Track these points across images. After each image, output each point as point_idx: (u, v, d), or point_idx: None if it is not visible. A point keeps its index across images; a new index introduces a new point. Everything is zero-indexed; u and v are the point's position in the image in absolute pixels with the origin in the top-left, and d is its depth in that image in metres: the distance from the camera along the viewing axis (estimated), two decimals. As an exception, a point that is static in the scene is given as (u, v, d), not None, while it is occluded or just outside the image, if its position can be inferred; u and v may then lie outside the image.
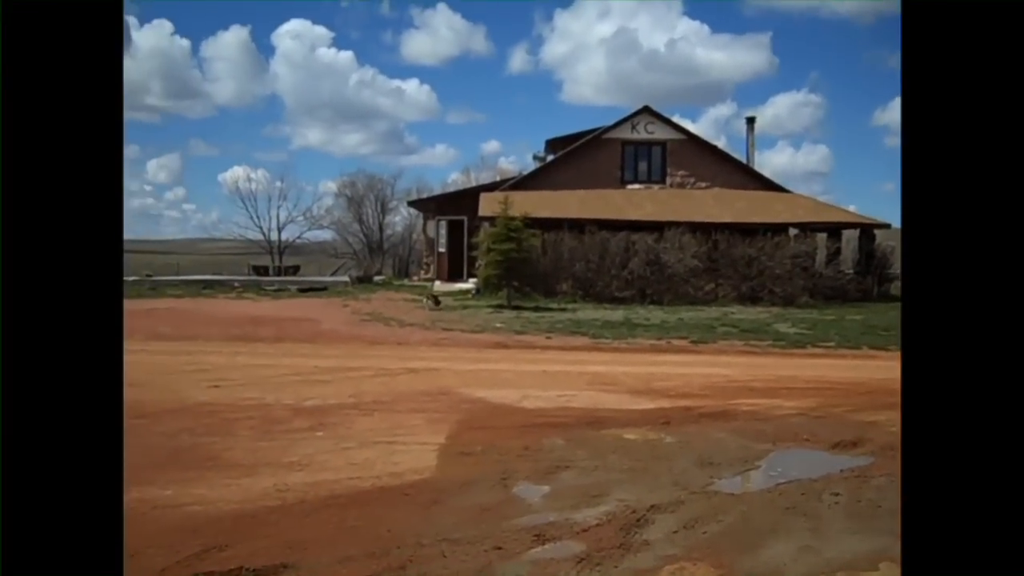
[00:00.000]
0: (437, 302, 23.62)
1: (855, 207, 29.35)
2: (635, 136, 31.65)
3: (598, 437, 7.81)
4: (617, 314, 21.56)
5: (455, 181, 62.99)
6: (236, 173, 77.92)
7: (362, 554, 4.63)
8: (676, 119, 32.74)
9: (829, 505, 5.73)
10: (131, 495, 5.16)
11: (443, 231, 32.77)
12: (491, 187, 32.70)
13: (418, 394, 9.87)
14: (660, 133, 31.73)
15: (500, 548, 4.77)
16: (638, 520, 5.28)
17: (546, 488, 6.09)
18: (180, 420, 8.09)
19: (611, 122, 32.40)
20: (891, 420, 8.81)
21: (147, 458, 6.46)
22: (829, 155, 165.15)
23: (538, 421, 8.46)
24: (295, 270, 43.68)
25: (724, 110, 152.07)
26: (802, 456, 7.37)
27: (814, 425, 8.55)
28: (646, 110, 31.90)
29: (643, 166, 31.85)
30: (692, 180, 31.46)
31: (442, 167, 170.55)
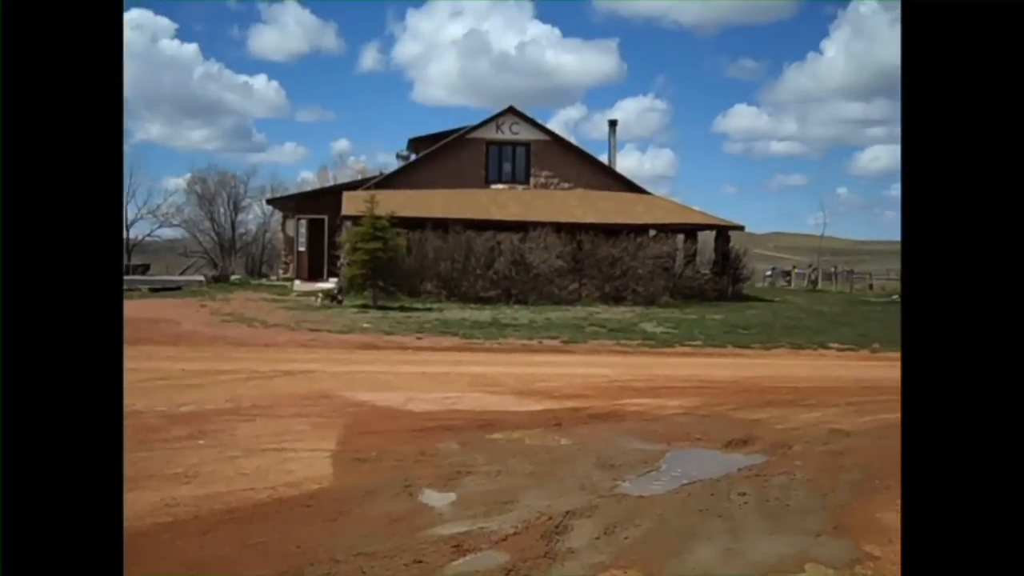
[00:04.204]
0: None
1: (699, 209, 30.31)
2: (499, 136, 31.58)
3: (492, 440, 7.64)
4: (484, 314, 21.44)
5: (305, 180, 61.70)
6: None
7: (275, 574, 4.30)
8: (531, 121, 32.87)
9: (739, 506, 5.72)
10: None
11: (303, 230, 31.89)
12: (352, 186, 32.06)
13: (298, 398, 9.47)
14: (524, 134, 31.78)
15: (420, 561, 4.52)
16: (556, 527, 5.13)
17: (452, 495, 5.87)
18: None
19: (464, 123, 32.31)
20: (773, 418, 8.99)
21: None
22: (674, 159, 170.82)
23: (428, 425, 8.22)
24: (145, 269, 41.74)
25: (574, 113, 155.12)
26: (698, 456, 7.39)
27: (702, 424, 8.62)
28: (511, 110, 31.86)
29: (507, 166, 31.81)
30: (556, 181, 31.63)
31: (291, 165, 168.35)
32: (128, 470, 6.24)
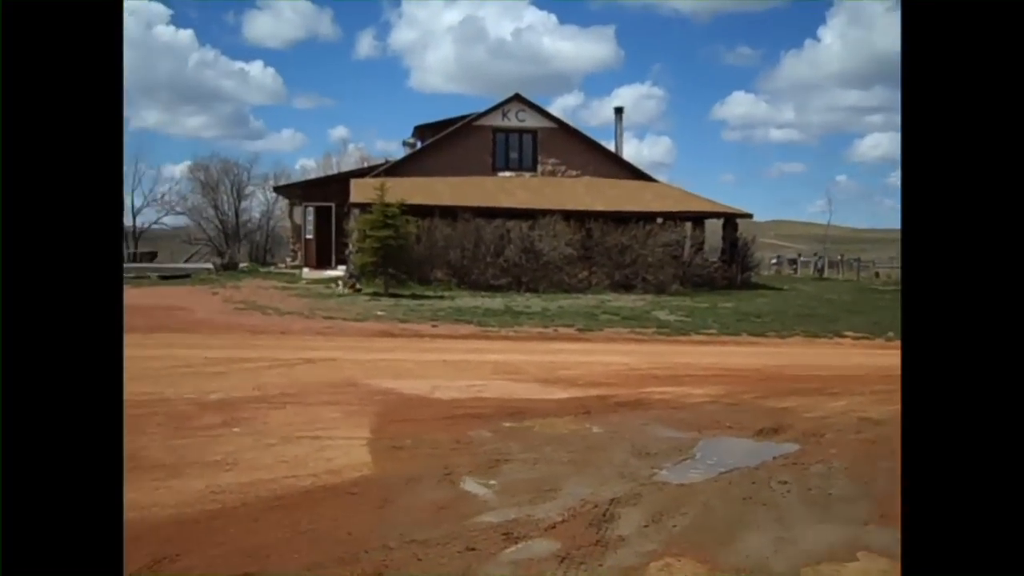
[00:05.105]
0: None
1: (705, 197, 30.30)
2: (506, 124, 31.52)
3: (524, 428, 7.64)
4: (496, 302, 21.44)
5: (305, 167, 61.60)
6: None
7: (330, 560, 4.31)
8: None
9: (782, 494, 5.72)
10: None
11: (310, 217, 31.88)
12: (358, 173, 32.03)
13: (324, 385, 9.48)
14: (531, 121, 31.72)
15: (473, 549, 4.53)
16: (603, 515, 5.14)
17: (494, 482, 5.87)
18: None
19: (463, 110, 32.50)
20: (801, 406, 9.00)
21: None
22: (672, 147, 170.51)
23: (457, 412, 8.23)
24: (152, 256, 41.65)
25: (572, 100, 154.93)
26: (731, 444, 7.40)
27: (730, 413, 8.62)
28: (517, 98, 31.79)
29: (514, 154, 31.75)
30: (563, 168, 31.60)
31: (290, 152, 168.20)
32: (168, 457, 6.28)
